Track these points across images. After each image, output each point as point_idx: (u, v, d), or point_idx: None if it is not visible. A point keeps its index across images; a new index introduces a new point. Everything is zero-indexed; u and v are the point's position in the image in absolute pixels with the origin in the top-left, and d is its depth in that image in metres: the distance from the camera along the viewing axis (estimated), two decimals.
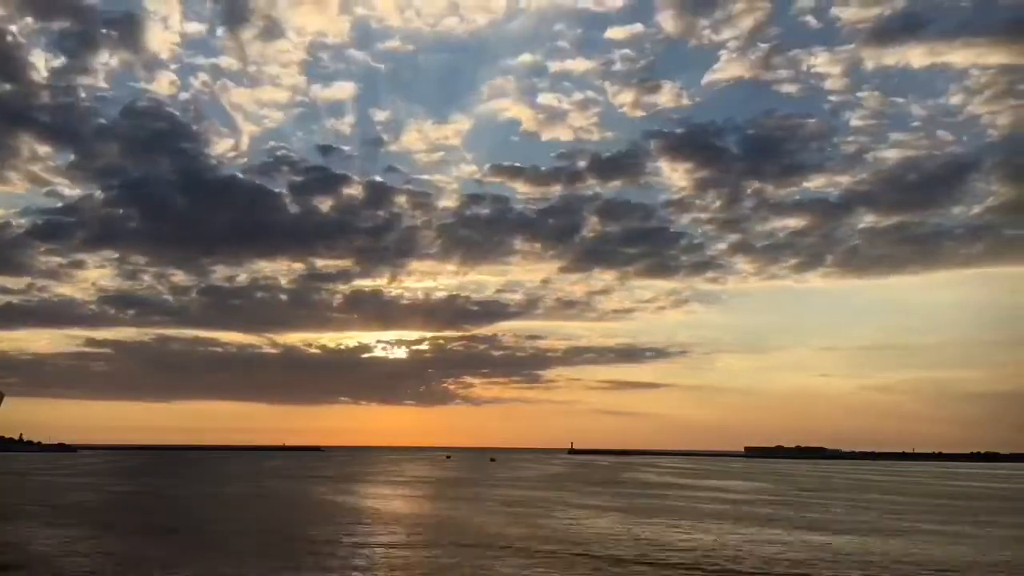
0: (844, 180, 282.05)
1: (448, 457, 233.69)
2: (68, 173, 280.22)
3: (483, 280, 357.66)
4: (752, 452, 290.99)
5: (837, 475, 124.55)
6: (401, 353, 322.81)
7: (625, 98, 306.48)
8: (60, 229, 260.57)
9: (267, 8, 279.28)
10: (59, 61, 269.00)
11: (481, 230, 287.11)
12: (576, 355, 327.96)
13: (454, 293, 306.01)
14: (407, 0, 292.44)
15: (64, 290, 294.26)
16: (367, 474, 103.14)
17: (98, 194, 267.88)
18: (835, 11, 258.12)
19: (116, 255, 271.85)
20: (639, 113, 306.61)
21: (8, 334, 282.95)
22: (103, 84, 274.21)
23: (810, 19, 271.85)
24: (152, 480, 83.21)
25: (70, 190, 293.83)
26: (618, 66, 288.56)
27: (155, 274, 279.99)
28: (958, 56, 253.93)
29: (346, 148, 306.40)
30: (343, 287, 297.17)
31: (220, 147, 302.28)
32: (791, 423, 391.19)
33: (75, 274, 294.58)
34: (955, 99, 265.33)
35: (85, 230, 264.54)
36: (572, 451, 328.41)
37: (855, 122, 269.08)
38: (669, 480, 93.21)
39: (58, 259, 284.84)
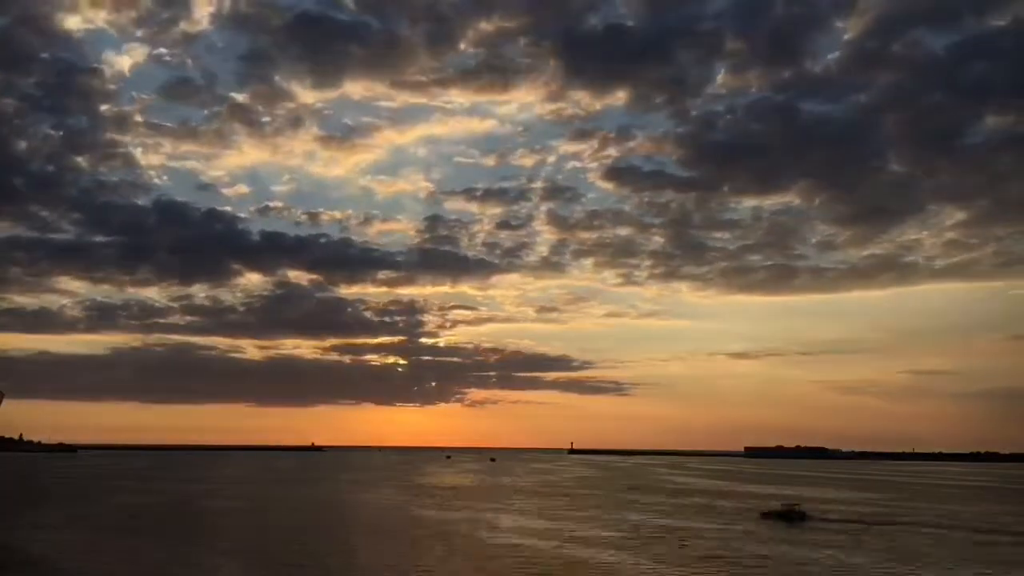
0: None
1: (448, 457, 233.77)
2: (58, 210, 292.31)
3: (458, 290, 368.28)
4: (752, 452, 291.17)
5: (899, 477, 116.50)
6: (390, 356, 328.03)
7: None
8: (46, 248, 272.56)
9: None
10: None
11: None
12: (561, 358, 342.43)
13: (429, 300, 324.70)
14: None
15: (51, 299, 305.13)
16: (424, 483, 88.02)
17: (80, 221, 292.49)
18: None
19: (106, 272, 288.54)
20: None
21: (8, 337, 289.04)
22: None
23: None
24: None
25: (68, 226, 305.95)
26: None
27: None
28: None
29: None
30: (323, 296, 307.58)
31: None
32: (789, 423, 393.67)
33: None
34: None
35: (69, 251, 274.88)
36: (572, 451, 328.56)
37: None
38: (752, 489, 79.83)
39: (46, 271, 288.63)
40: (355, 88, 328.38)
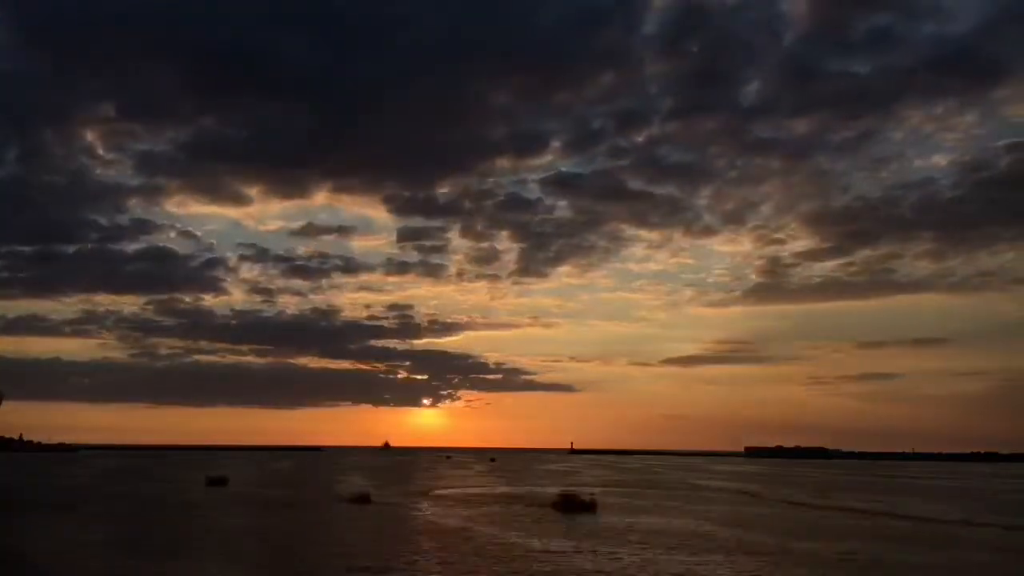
0: None
1: (449, 457, 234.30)
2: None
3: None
4: (752, 452, 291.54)
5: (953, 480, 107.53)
6: (385, 360, 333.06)
7: None
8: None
9: None
10: None
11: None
12: (555, 359, 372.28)
13: (418, 305, 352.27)
14: None
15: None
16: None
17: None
18: None
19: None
20: None
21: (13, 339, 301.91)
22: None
23: None
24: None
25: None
26: None
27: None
28: None
29: None
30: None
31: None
32: (789, 423, 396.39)
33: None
34: None
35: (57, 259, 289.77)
36: (572, 451, 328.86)
37: None
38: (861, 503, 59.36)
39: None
40: None
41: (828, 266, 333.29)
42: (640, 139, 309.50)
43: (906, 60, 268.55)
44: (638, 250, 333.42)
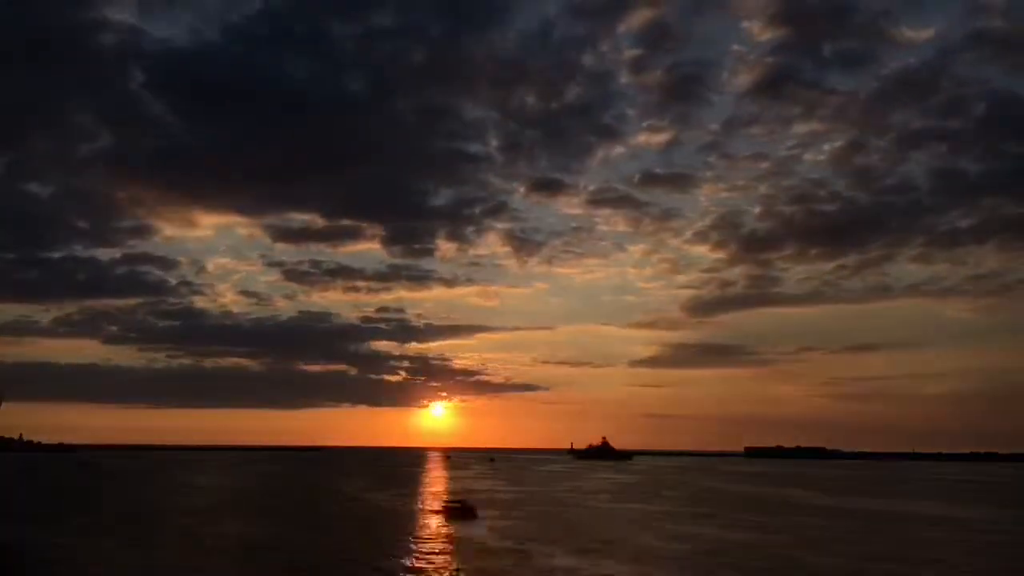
0: None
1: (449, 457, 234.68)
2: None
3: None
4: (752, 452, 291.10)
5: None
6: (380, 361, 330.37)
7: None
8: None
9: None
10: None
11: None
12: (544, 360, 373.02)
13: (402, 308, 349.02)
14: None
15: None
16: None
17: None
18: None
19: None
20: None
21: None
22: None
23: None
24: None
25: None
26: None
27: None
28: None
29: None
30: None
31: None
32: (786, 422, 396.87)
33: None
34: None
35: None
36: (572, 451, 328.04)
37: None
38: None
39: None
40: None
41: (818, 271, 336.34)
42: (628, 148, 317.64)
43: (880, 79, 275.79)
44: (631, 255, 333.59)
